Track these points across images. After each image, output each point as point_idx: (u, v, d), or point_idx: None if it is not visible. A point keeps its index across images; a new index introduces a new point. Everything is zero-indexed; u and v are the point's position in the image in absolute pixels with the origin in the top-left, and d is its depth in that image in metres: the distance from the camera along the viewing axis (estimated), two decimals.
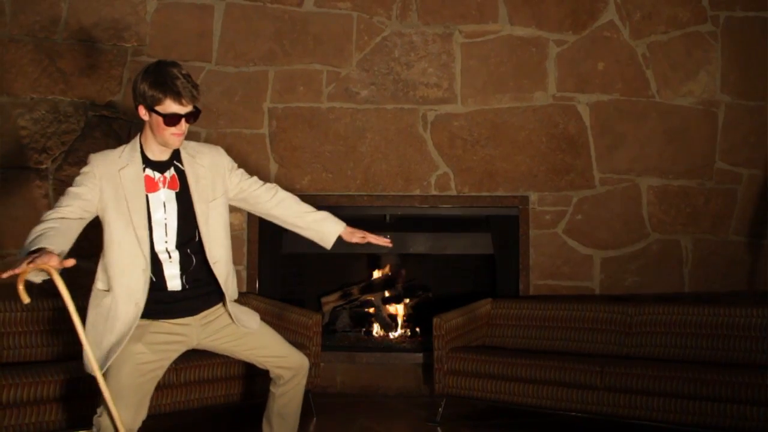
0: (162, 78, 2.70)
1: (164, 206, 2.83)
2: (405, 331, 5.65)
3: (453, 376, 4.43)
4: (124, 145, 2.89)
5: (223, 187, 2.96)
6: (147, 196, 2.81)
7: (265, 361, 3.10)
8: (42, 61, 4.96)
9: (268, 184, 3.12)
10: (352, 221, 5.37)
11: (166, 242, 2.83)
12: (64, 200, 2.75)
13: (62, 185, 4.95)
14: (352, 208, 5.20)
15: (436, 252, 5.60)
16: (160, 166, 2.85)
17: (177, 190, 2.86)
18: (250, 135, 5.11)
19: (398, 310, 5.77)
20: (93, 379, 2.68)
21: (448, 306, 4.77)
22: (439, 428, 4.37)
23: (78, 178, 2.81)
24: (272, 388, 3.16)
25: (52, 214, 2.70)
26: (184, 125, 2.75)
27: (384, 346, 5.40)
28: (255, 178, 3.12)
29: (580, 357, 4.24)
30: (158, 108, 2.71)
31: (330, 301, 5.82)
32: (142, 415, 2.82)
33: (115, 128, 5.07)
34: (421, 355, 5.12)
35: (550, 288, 5.10)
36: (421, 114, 5.18)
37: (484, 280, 5.52)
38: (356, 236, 3.14)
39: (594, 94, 5.10)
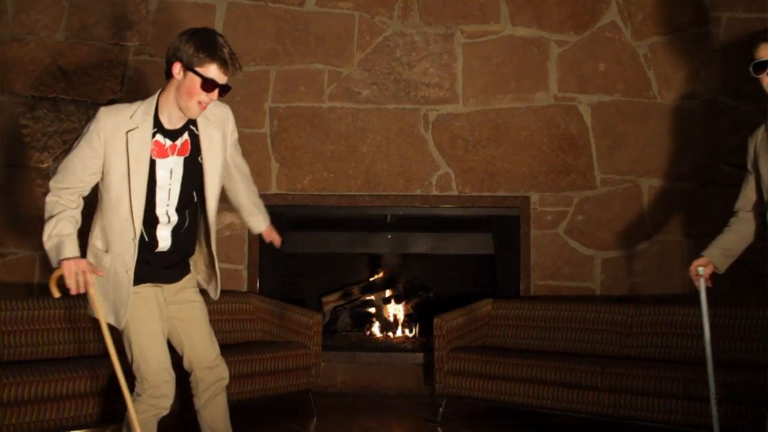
0: (212, 42, 2.67)
1: (171, 172, 2.82)
2: (405, 332, 5.64)
3: (453, 377, 4.42)
4: (138, 102, 2.82)
5: (225, 148, 2.96)
6: (155, 162, 2.79)
7: (193, 357, 3.00)
8: (43, 60, 4.96)
9: (246, 167, 3.22)
10: (353, 221, 5.40)
11: (167, 205, 2.84)
12: (68, 178, 2.76)
13: None
14: (353, 208, 5.20)
15: (437, 252, 5.60)
16: (172, 134, 2.81)
17: (186, 155, 2.85)
18: (252, 134, 5.11)
19: (399, 310, 5.77)
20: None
21: (449, 306, 4.77)
22: (439, 428, 4.37)
23: (83, 141, 2.75)
24: (195, 402, 3.06)
25: (60, 205, 2.75)
26: (215, 95, 2.72)
27: (384, 346, 5.39)
28: (240, 156, 3.17)
29: (580, 357, 4.24)
30: (199, 69, 2.66)
31: (330, 301, 5.82)
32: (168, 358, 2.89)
33: None
34: (421, 355, 5.12)
35: (550, 288, 5.10)
36: (423, 114, 5.18)
37: (485, 281, 5.52)
38: (270, 236, 3.31)
39: (595, 94, 5.10)
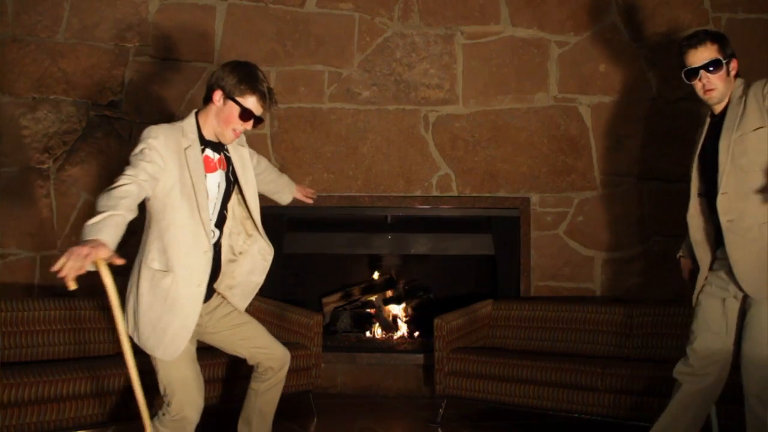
0: (253, 76, 2.86)
1: (218, 186, 2.95)
2: (406, 332, 5.65)
3: (454, 377, 4.43)
4: (178, 122, 2.91)
5: (251, 163, 3.14)
6: (205, 176, 2.89)
7: (257, 352, 3.15)
8: (44, 61, 4.97)
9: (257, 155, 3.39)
10: (353, 222, 5.39)
11: (211, 221, 2.93)
12: (139, 173, 2.66)
13: (64, 185, 4.96)
14: (353, 208, 5.21)
15: (437, 253, 5.60)
16: (216, 147, 2.96)
17: (225, 171, 2.99)
18: (252, 135, 5.11)
19: (399, 310, 5.77)
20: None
21: (449, 307, 4.77)
22: (439, 429, 4.37)
23: (146, 152, 2.72)
24: (254, 385, 3.22)
25: (124, 188, 2.59)
26: (250, 125, 2.89)
27: (385, 346, 5.40)
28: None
29: (581, 358, 4.24)
30: (239, 99, 2.83)
31: (331, 302, 5.82)
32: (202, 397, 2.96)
33: (117, 128, 5.07)
34: (421, 355, 5.12)
35: (551, 289, 5.10)
36: (423, 115, 5.18)
37: (485, 281, 5.53)
38: (302, 192, 3.76)
39: (595, 95, 5.10)
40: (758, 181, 2.92)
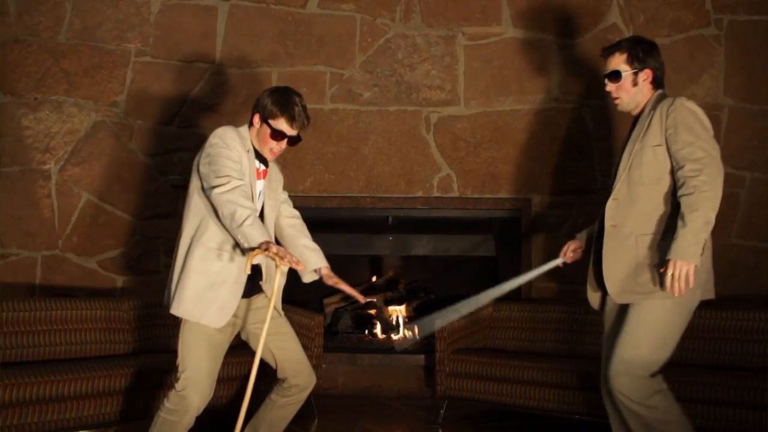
0: (285, 100, 3.07)
1: (261, 194, 3.16)
2: (406, 333, 5.64)
3: (455, 378, 4.42)
4: (238, 128, 3.13)
5: (279, 193, 3.31)
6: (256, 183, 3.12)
7: (288, 366, 3.21)
8: (46, 62, 4.98)
9: (293, 208, 3.43)
10: (354, 223, 5.40)
11: None
12: (235, 173, 2.95)
13: (65, 185, 4.97)
14: (354, 209, 5.21)
15: (439, 254, 5.59)
16: (262, 159, 3.16)
17: (264, 182, 3.19)
18: None
19: (400, 311, 5.77)
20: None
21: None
22: (440, 430, 4.37)
23: (231, 145, 3.01)
24: (274, 396, 3.26)
25: (241, 193, 2.91)
26: (284, 144, 3.10)
27: (386, 347, 5.39)
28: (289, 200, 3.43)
29: (582, 360, 4.23)
30: (271, 122, 3.06)
31: (332, 303, 5.82)
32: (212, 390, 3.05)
33: (119, 128, 5.08)
34: (422, 357, 5.12)
35: (552, 291, 5.10)
36: (424, 116, 5.18)
37: (486, 283, 5.51)
38: (333, 280, 3.36)
39: (597, 97, 5.10)
40: (645, 195, 3.00)
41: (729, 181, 5.00)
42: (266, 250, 2.78)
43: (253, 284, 3.15)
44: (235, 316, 3.09)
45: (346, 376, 5.16)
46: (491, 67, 5.16)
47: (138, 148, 5.08)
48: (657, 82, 3.19)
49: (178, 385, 2.97)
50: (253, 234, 2.81)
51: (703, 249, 2.93)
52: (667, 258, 2.86)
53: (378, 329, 5.68)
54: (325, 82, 5.17)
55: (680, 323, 3.04)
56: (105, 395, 3.64)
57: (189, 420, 2.99)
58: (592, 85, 5.11)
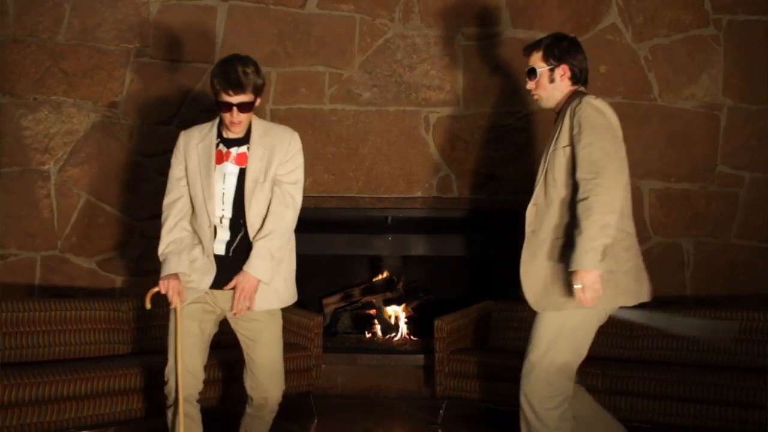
0: (220, 70, 3.01)
1: (224, 177, 3.05)
2: (406, 333, 5.64)
3: (454, 378, 4.42)
4: (211, 121, 3.17)
5: (273, 173, 3.09)
6: (216, 167, 3.06)
7: (248, 376, 3.16)
8: (45, 62, 4.97)
9: (287, 197, 3.12)
10: (353, 223, 5.39)
11: (222, 210, 3.05)
12: (173, 192, 3.12)
13: (64, 186, 4.96)
14: (353, 210, 5.21)
15: (438, 254, 5.59)
16: (232, 142, 3.08)
17: (244, 166, 3.06)
18: None
19: (399, 312, 5.77)
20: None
21: (449, 308, 4.77)
22: (439, 430, 4.37)
23: (172, 159, 3.15)
24: (247, 407, 3.23)
25: (174, 217, 3.09)
26: (236, 114, 2.98)
27: (385, 348, 5.39)
28: (292, 185, 3.14)
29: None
30: (217, 97, 3.01)
31: (331, 303, 5.82)
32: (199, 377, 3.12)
33: (118, 129, 5.07)
34: (422, 357, 5.12)
35: None
36: (423, 116, 5.18)
37: (486, 283, 5.52)
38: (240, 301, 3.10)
39: (596, 97, 5.09)
40: (558, 199, 2.96)
41: (728, 181, 5.06)
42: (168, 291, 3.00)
43: (226, 276, 3.06)
44: (214, 304, 3.09)
45: (346, 376, 5.16)
46: (490, 67, 5.16)
47: (137, 148, 5.08)
48: (576, 79, 3.15)
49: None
50: (162, 268, 3.04)
51: (629, 253, 2.89)
52: (569, 270, 2.81)
53: (378, 329, 5.68)
54: (324, 82, 5.17)
55: (589, 329, 3.04)
56: (104, 396, 3.63)
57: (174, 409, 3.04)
58: (591, 84, 5.09)
